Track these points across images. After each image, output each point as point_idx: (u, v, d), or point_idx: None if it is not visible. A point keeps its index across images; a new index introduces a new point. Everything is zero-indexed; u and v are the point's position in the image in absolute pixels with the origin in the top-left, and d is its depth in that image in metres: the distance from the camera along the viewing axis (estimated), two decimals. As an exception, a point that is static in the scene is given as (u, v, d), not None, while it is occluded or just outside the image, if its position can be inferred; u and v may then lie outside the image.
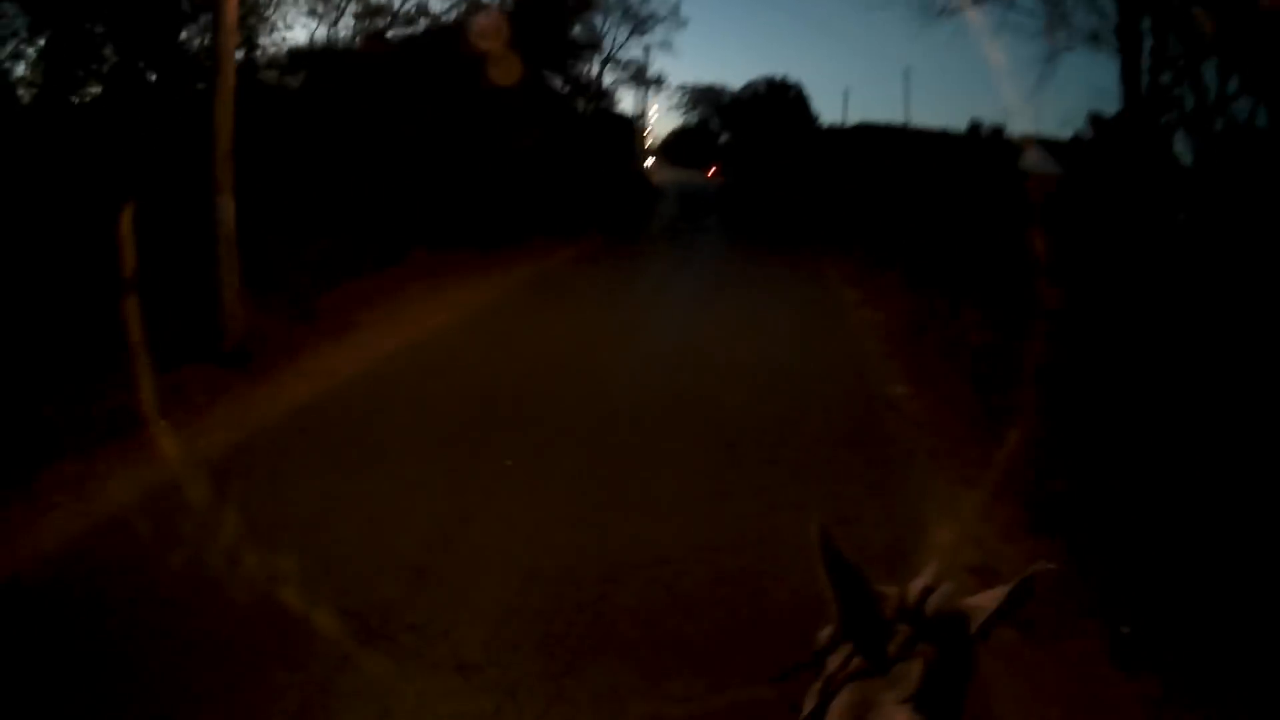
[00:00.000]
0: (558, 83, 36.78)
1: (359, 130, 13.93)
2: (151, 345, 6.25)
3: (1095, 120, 25.06)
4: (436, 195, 15.35)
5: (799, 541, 1.10)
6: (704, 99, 64.57)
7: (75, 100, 11.05)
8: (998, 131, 33.08)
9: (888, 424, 6.55)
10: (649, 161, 72.98)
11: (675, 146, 77.44)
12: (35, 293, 6.80)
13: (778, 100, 46.66)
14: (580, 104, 37.13)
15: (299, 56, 21.16)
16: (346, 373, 7.13)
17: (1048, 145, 32.76)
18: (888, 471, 5.52)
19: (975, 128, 30.68)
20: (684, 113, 70.02)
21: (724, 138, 55.89)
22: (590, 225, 18.24)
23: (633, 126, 50.08)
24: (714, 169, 53.49)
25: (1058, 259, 13.78)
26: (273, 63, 17.64)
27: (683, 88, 66.93)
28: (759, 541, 4.33)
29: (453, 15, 29.13)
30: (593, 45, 36.35)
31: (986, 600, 1.03)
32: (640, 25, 37.86)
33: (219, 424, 5.87)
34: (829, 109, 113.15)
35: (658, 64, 72.34)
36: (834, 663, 1.02)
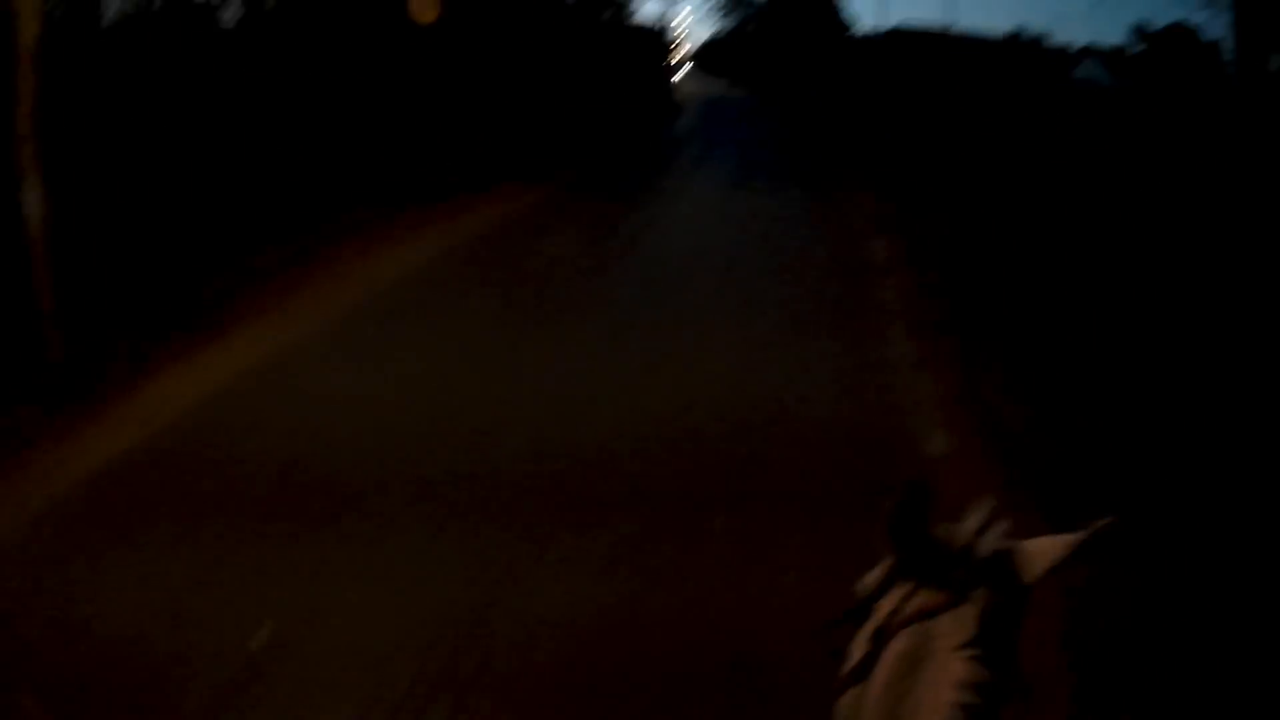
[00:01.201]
0: None
1: (308, 66, 12.35)
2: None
3: (1141, 33, 22.37)
4: (397, 135, 13.73)
5: None
6: (739, 3, 61.25)
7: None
8: (1037, 40, 30.26)
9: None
10: (680, 73, 70.09)
11: (710, 56, 74.10)
12: None
13: (805, 3, 43.43)
14: (596, 13, 34.59)
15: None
16: (187, 404, 5.68)
17: (1104, 57, 29.84)
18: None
19: (1016, 36, 28.09)
20: (719, 19, 66.79)
21: (755, 47, 52.75)
22: (573, 160, 16.45)
23: (659, 37, 47.22)
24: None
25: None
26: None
27: (717, -7, 63.63)
28: None
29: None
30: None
31: (1046, 547, 1.00)
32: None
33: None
34: (867, 12, 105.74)
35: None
36: (886, 607, 1.00)
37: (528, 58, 26.39)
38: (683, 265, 9.08)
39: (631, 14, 36.52)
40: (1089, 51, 22.98)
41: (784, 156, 19.20)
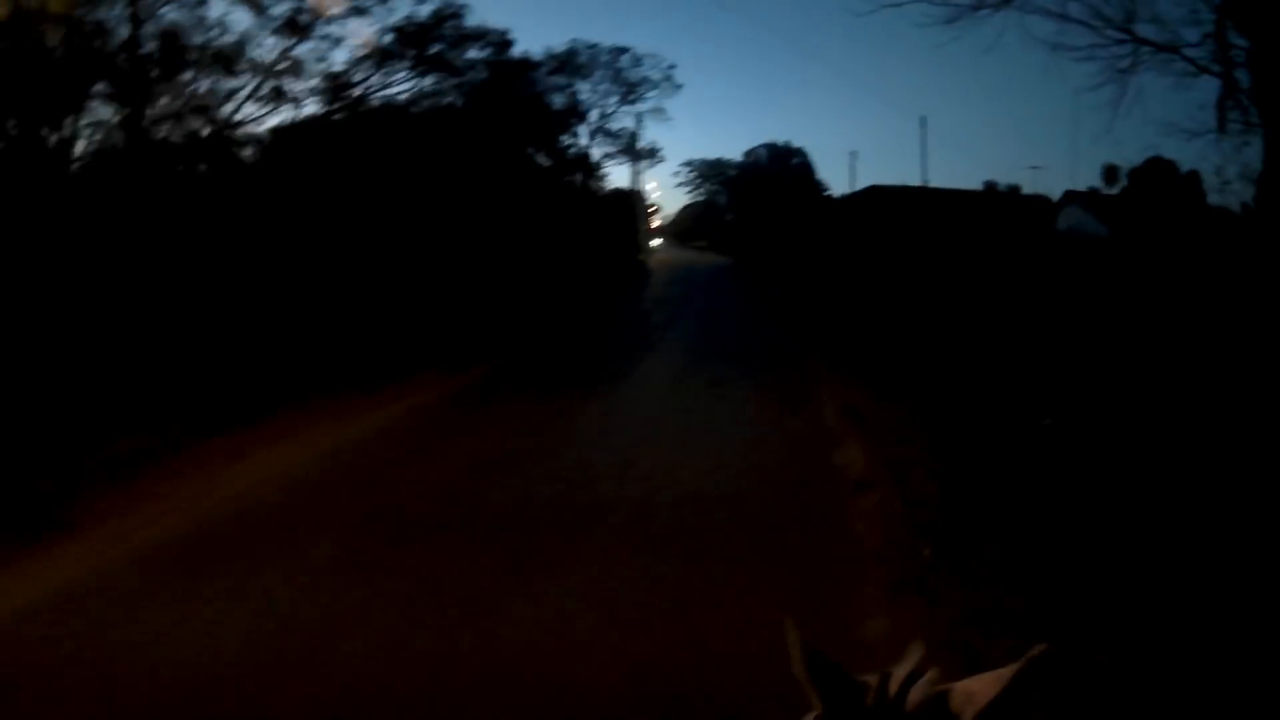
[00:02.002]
0: (542, 160, 33.71)
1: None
2: None
3: (1109, 172, 20.74)
4: (327, 309, 11.96)
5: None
6: (712, 174, 61.71)
7: None
8: (1014, 190, 29.17)
9: None
10: (655, 241, 70.12)
11: (685, 224, 74.55)
12: None
13: (780, 168, 43.07)
14: (565, 180, 33.77)
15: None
16: None
17: (1087, 200, 28.72)
18: None
19: (993, 187, 26.88)
20: (691, 189, 67.32)
21: (729, 214, 52.38)
22: (515, 339, 14.31)
23: (630, 203, 46.85)
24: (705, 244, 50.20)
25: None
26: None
27: (689, 163, 64.28)
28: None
29: (407, 93, 26.47)
30: (575, 114, 33.08)
31: (978, 686, 0.92)
32: (631, 91, 34.50)
33: None
34: (836, 176, 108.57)
35: (652, 134, 69.30)
36: None
37: (488, 223, 25.34)
38: (595, 502, 6.18)
39: (602, 180, 35.80)
40: (1072, 195, 21.45)
41: (750, 330, 16.97)
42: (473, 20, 25.15)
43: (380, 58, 21.69)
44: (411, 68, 22.55)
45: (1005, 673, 0.90)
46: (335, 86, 22.83)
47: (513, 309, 17.30)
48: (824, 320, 17.15)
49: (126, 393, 8.18)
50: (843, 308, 18.50)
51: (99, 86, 14.69)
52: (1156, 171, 29.10)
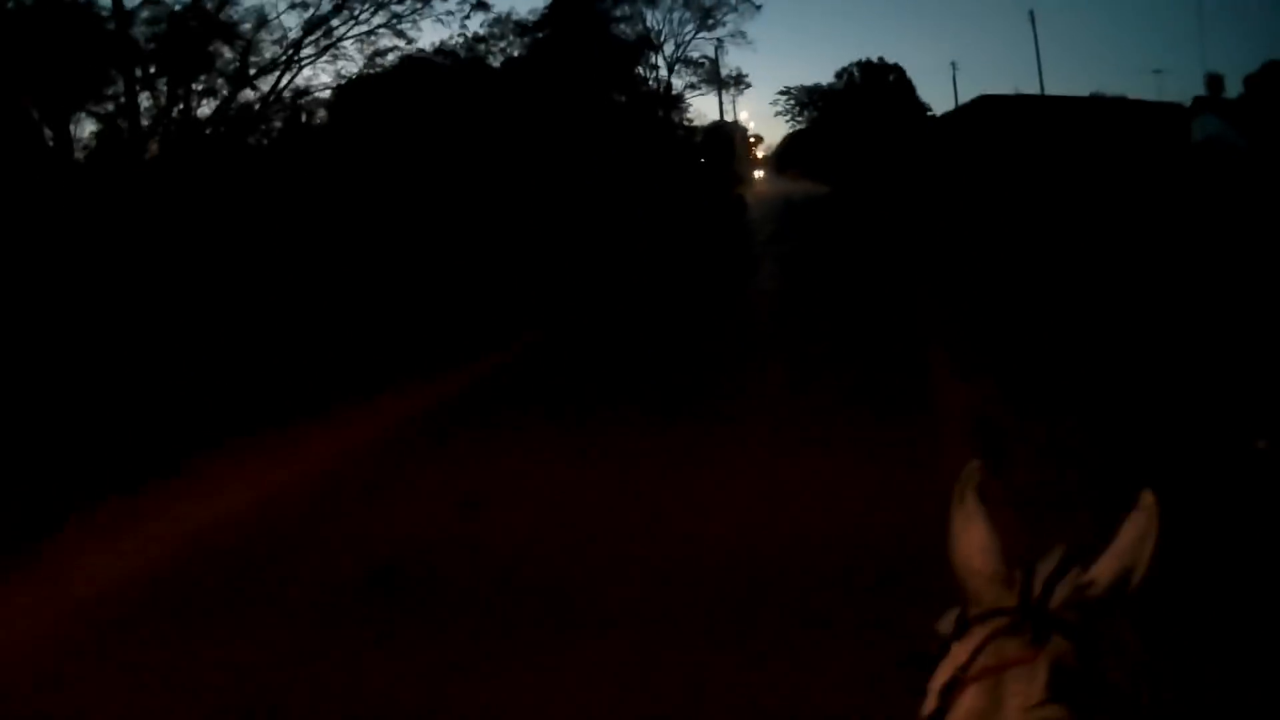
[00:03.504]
0: (618, 97, 31.66)
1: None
2: None
3: (1213, 81, 17.45)
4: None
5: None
6: (810, 101, 58.17)
7: None
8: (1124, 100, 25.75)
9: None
10: (759, 173, 67.17)
11: (789, 154, 71.23)
12: None
13: (876, 87, 39.67)
14: (646, 117, 31.63)
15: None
16: None
17: (1222, 107, 24.92)
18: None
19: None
20: (790, 118, 63.86)
21: (827, 141, 49.20)
22: (569, 307, 12.57)
23: (727, 137, 44.32)
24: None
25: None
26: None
27: (786, 91, 60.81)
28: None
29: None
30: (649, 44, 30.98)
31: (1109, 566, 0.93)
32: (708, 15, 32.06)
33: None
34: (936, 92, 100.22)
35: (736, 60, 66.05)
36: (956, 658, 0.93)
37: (556, 177, 23.77)
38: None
39: (686, 114, 33.56)
40: (1204, 102, 18.22)
41: (839, 285, 13.91)
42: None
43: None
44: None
45: (1121, 544, 0.92)
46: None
47: (572, 272, 15.65)
48: (938, 274, 13.79)
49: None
50: (959, 253, 16.00)
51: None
52: (1275, 76, 25.28)
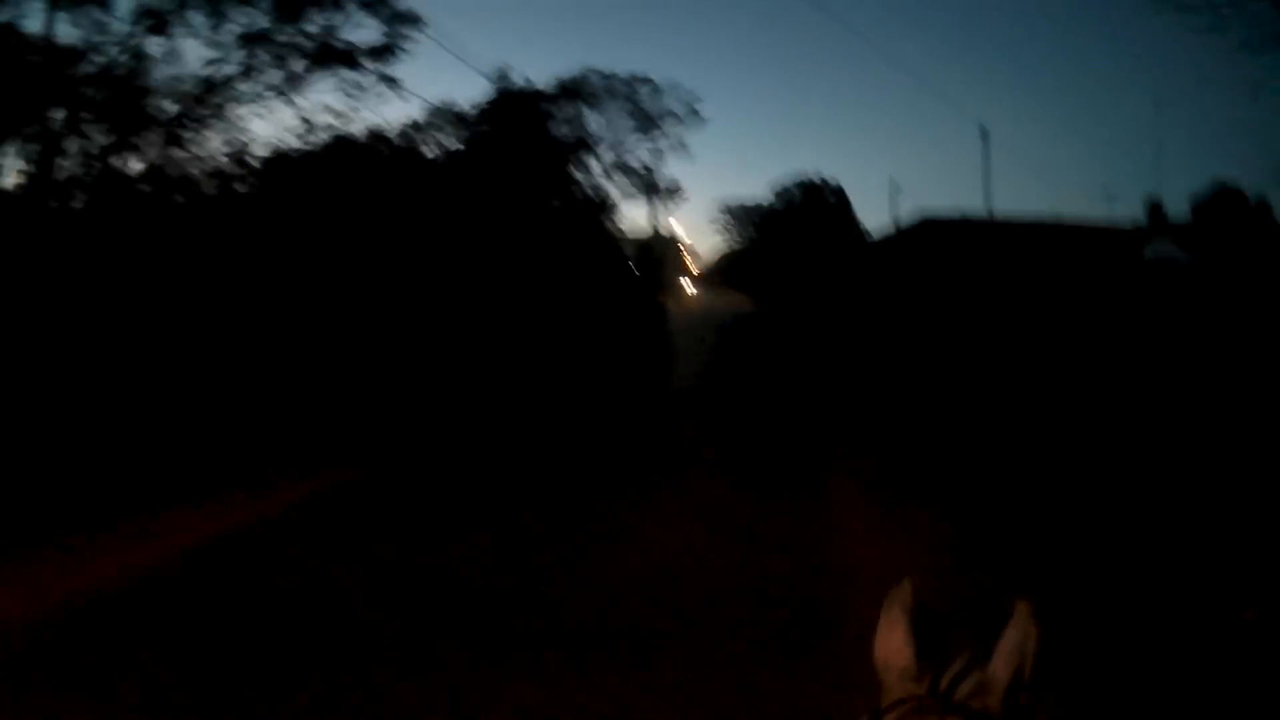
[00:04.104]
0: (552, 201, 30.54)
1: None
2: None
3: (1154, 209, 17.21)
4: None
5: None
6: (748, 218, 58.68)
7: None
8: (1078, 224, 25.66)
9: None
10: (691, 289, 67.17)
11: (723, 271, 71.61)
12: None
13: (816, 208, 39.63)
14: (575, 223, 30.48)
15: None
16: None
17: (1175, 231, 24.99)
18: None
19: (1058, 219, 23.38)
20: (728, 235, 64.37)
21: (761, 259, 48.98)
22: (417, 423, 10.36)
23: (660, 249, 43.58)
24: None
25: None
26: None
27: (727, 209, 61.36)
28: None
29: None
30: (585, 147, 29.89)
31: (1001, 665, 0.98)
32: (652, 124, 31.32)
33: None
34: (873, 208, 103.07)
35: (673, 170, 66.42)
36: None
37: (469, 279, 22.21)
38: None
39: (611, 221, 32.40)
40: (1160, 225, 17.80)
41: (778, 418, 11.95)
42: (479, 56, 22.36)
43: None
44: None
45: (1008, 646, 0.97)
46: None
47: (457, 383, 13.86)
48: (875, 407, 11.78)
49: None
50: (897, 380, 14.70)
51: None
52: (1224, 201, 25.82)
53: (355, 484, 7.01)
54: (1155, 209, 16.78)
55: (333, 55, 17.23)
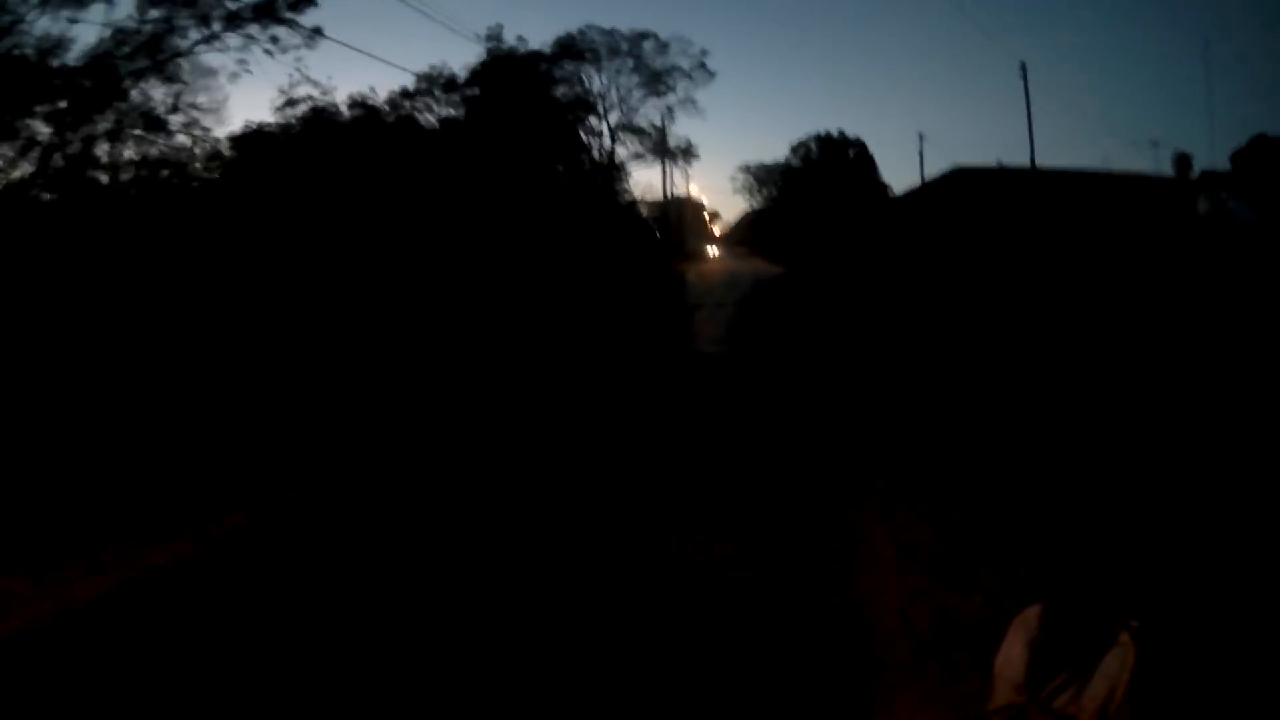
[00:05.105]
0: (556, 165, 28.97)
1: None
2: None
3: (1181, 160, 15.55)
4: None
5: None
6: (768, 178, 56.73)
7: None
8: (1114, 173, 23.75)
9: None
10: (713, 250, 65.26)
11: (746, 232, 69.83)
12: None
13: (836, 163, 37.59)
14: (584, 187, 28.99)
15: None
16: None
17: (1228, 181, 23.09)
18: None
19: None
20: (750, 195, 62.57)
21: (780, 219, 47.04)
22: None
23: (678, 213, 41.95)
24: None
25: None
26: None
27: (746, 168, 59.42)
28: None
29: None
30: (588, 108, 28.40)
31: (1098, 685, 1.15)
32: (658, 80, 29.72)
33: None
34: (903, 165, 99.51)
35: (685, 129, 64.81)
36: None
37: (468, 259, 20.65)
38: None
39: (624, 185, 30.90)
40: (1212, 179, 16.06)
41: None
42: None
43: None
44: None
45: (1108, 670, 1.12)
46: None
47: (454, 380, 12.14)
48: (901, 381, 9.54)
49: None
50: (925, 365, 12.20)
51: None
52: (1265, 149, 24.09)
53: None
54: (1182, 160, 14.82)
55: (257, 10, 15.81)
